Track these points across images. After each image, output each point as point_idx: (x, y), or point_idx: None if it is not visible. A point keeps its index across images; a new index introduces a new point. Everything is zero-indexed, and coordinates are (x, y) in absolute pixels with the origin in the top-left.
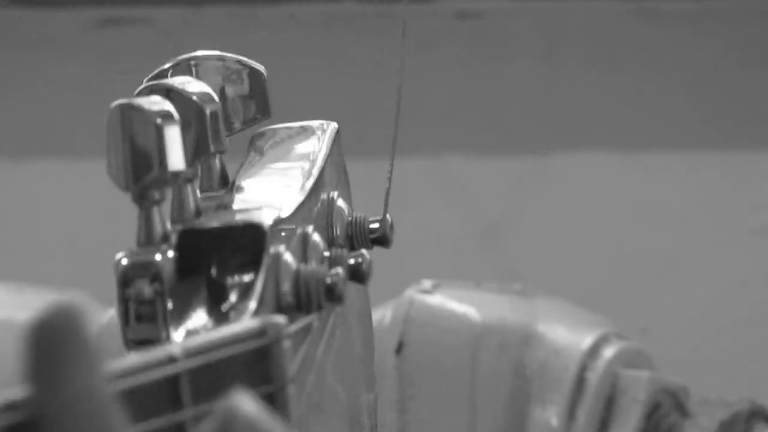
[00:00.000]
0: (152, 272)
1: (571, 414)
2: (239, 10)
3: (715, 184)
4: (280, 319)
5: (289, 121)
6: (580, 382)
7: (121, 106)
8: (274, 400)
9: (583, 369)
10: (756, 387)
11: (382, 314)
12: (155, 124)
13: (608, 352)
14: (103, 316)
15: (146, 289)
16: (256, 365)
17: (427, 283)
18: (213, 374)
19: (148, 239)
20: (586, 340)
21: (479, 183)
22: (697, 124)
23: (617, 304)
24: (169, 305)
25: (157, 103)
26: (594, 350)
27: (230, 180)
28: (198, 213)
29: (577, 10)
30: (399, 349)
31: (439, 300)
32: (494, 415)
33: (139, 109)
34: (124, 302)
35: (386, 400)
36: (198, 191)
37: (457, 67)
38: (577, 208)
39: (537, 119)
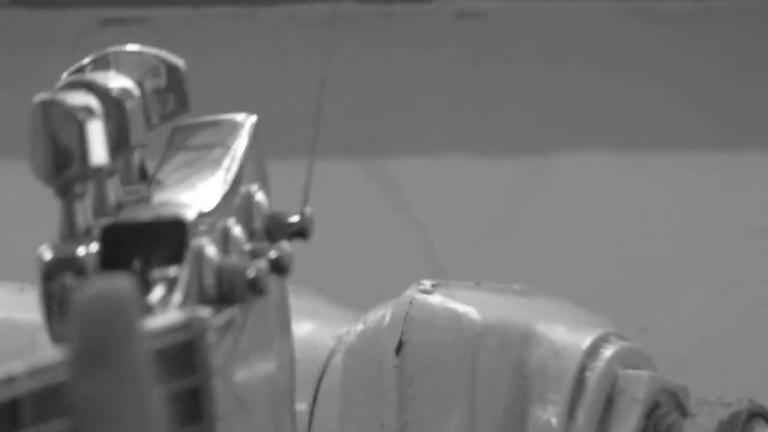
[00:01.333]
0: (76, 266)
1: (570, 414)
2: (239, 10)
3: (715, 184)
4: (205, 311)
5: (210, 114)
6: (579, 382)
7: (43, 102)
8: (199, 393)
9: (582, 369)
10: (756, 387)
11: (382, 314)
12: (77, 119)
13: (608, 351)
14: None
15: (70, 283)
16: (181, 358)
17: (427, 283)
18: None
19: (70, 233)
20: (586, 340)
21: (479, 183)
22: (697, 124)
23: (617, 304)
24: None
25: (78, 97)
26: (594, 350)
27: (150, 174)
28: (119, 207)
29: (577, 10)
30: (399, 349)
31: (439, 300)
32: (494, 415)
33: (61, 104)
34: (48, 297)
35: (386, 400)
36: (118, 185)
37: (457, 67)
38: (577, 208)
39: (537, 119)
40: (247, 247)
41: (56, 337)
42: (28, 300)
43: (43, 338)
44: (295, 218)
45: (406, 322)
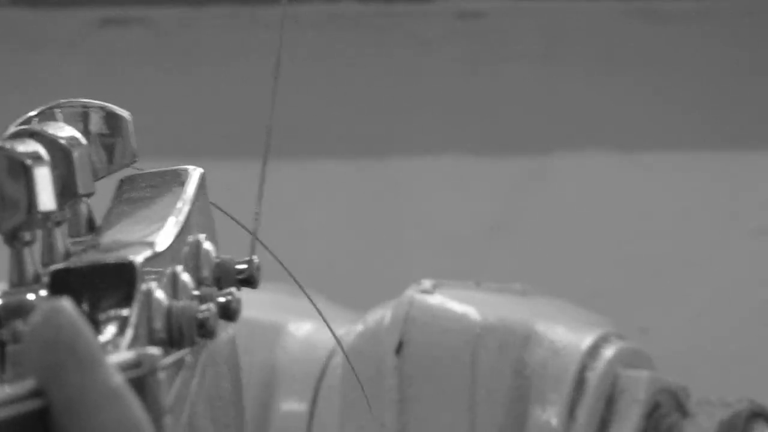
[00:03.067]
0: (26, 312)
1: (571, 414)
2: (239, 10)
3: (715, 184)
4: (155, 350)
5: (153, 166)
6: (579, 382)
7: None
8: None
9: (582, 369)
10: (756, 387)
11: (382, 314)
12: (24, 165)
13: (608, 352)
14: None
15: (21, 329)
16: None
17: (427, 283)
18: None
19: (20, 280)
20: (586, 340)
21: (479, 183)
22: (697, 124)
23: (617, 304)
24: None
25: (25, 144)
26: (594, 350)
27: (97, 225)
28: (67, 255)
29: (577, 10)
30: (399, 349)
31: (439, 300)
32: (494, 415)
33: (8, 151)
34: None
35: (386, 400)
36: (65, 233)
37: (457, 67)
38: (577, 208)
39: (537, 119)
40: (196, 292)
41: (6, 381)
42: None
43: None
44: (242, 266)
45: (406, 322)
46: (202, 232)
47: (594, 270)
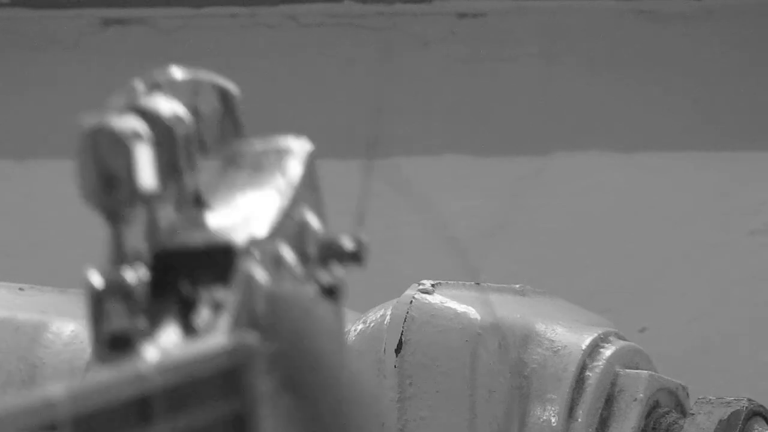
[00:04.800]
0: (124, 291)
1: (570, 413)
2: (239, 10)
3: (715, 184)
4: (252, 337)
5: (264, 135)
6: (579, 382)
7: (92, 126)
8: (245, 419)
9: (582, 368)
10: (756, 387)
11: (382, 314)
12: (125, 144)
13: (608, 351)
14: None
15: (119, 307)
16: (227, 383)
17: (427, 283)
18: (184, 392)
19: (119, 258)
20: (586, 340)
21: (479, 183)
22: (697, 124)
23: (617, 304)
24: (142, 324)
25: (127, 122)
26: (593, 350)
27: (203, 199)
28: (171, 232)
29: (577, 10)
30: (399, 349)
31: (439, 300)
32: (494, 414)
33: (110, 129)
34: (96, 321)
35: (386, 400)
36: (171, 210)
37: (457, 67)
38: (577, 208)
39: (537, 119)
40: (300, 272)
41: (102, 358)
42: (28, 300)
43: (43, 337)
44: (349, 243)
45: (406, 322)
46: (309, 208)
47: (594, 270)
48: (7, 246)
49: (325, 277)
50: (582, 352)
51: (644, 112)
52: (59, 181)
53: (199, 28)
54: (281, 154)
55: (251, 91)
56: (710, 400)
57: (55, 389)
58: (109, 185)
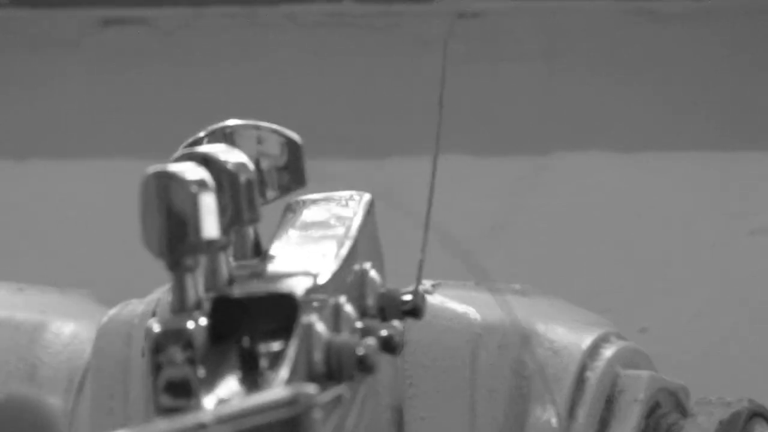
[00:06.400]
0: (184, 339)
1: (570, 413)
2: (239, 10)
3: (715, 184)
4: (311, 388)
5: (322, 189)
6: (579, 382)
7: (157, 173)
8: None
9: (582, 369)
10: (756, 387)
11: None
12: (191, 192)
13: (608, 351)
14: (103, 316)
15: (178, 355)
16: None
17: (427, 283)
18: None
19: (181, 306)
20: (586, 340)
21: (479, 183)
22: (697, 124)
23: (617, 304)
24: (201, 372)
25: (192, 170)
26: (594, 350)
27: (263, 248)
28: (231, 281)
29: (577, 10)
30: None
31: (439, 300)
32: (494, 414)
33: (176, 177)
34: (156, 369)
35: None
36: (231, 259)
37: (457, 67)
38: (577, 208)
39: (537, 119)
40: (359, 324)
41: (161, 406)
42: (28, 300)
43: (43, 338)
44: (408, 296)
45: (407, 323)
46: (369, 260)
47: (594, 270)
48: (7, 246)
49: (383, 329)
50: (582, 352)
51: (644, 112)
52: (59, 181)
53: (199, 28)
54: (342, 205)
55: (251, 91)
56: (711, 400)
57: None
58: (174, 234)
